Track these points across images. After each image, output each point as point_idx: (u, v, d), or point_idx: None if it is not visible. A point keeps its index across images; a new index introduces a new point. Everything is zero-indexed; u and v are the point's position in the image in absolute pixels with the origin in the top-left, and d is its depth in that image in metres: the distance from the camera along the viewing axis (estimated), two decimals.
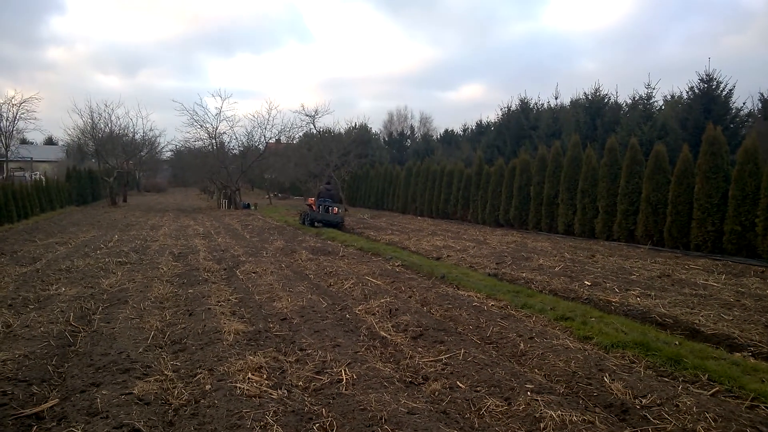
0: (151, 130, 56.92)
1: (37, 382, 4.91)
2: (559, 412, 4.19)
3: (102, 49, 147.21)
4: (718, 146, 14.01)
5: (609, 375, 5.04)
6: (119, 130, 38.48)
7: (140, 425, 3.98)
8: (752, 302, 8.11)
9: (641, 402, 4.51)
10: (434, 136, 50.42)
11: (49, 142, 68.75)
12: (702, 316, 7.31)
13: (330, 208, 21.29)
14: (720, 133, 14.31)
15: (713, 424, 4.04)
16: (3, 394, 4.50)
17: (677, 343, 6.10)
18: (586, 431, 3.92)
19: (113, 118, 39.67)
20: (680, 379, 5.08)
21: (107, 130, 37.28)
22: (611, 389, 4.77)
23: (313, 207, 21.77)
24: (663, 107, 26.14)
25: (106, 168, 38.16)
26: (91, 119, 36.47)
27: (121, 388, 4.64)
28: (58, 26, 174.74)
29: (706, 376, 5.07)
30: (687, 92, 23.21)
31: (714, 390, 4.79)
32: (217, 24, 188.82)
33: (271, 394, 4.65)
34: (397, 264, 11.86)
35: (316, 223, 21.06)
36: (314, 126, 37.23)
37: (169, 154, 49.38)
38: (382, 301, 7.96)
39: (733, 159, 13.97)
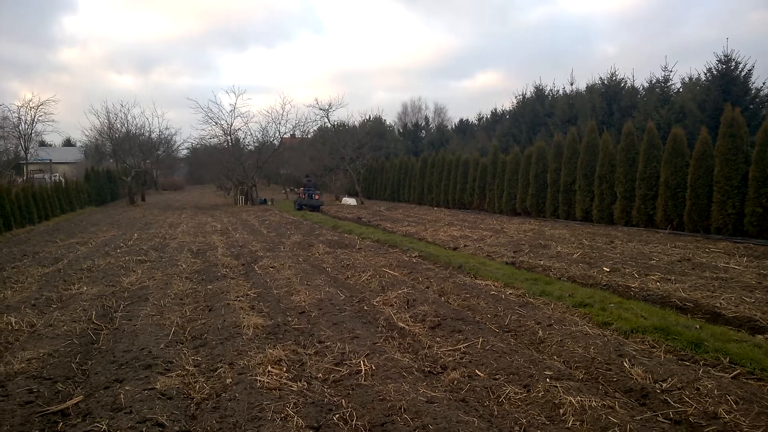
0: (167, 128, 57.20)
1: (62, 379, 5.02)
2: (579, 397, 4.18)
3: (115, 48, 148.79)
4: (737, 127, 13.75)
5: (628, 360, 5.00)
6: (135, 129, 38.84)
7: (163, 419, 4.04)
8: None
9: (661, 386, 4.48)
10: (449, 127, 50.20)
11: (68, 143, 69.72)
12: (723, 299, 7.21)
13: (313, 195, 28.39)
14: (739, 114, 14.03)
15: (734, 406, 3.99)
16: (29, 392, 4.61)
17: (698, 326, 6.04)
18: (605, 416, 3.90)
19: (129, 117, 40.26)
20: (701, 363, 5.03)
21: (124, 130, 37.64)
22: (631, 374, 4.75)
23: (302, 195, 28.89)
24: (681, 90, 25.72)
25: (124, 168, 38.56)
26: (108, 120, 36.82)
27: (143, 383, 4.72)
28: (70, 26, 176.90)
29: (728, 359, 5.02)
30: (705, 74, 22.80)
31: (735, 373, 4.74)
32: (228, 19, 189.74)
33: (291, 386, 4.70)
34: (414, 255, 11.87)
35: (303, 207, 27.76)
36: (328, 120, 37.36)
37: (185, 152, 49.90)
38: (399, 292, 7.97)
39: (753, 140, 13.69)
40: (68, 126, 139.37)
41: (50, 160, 50.24)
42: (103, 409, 4.25)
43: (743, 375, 4.73)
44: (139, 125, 39.45)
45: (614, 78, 26.99)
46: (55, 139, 67.84)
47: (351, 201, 33.22)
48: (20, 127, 34.91)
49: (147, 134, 39.81)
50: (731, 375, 4.70)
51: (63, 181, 32.15)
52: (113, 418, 4.07)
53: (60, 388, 4.84)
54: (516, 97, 36.13)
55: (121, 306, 7.80)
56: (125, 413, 4.13)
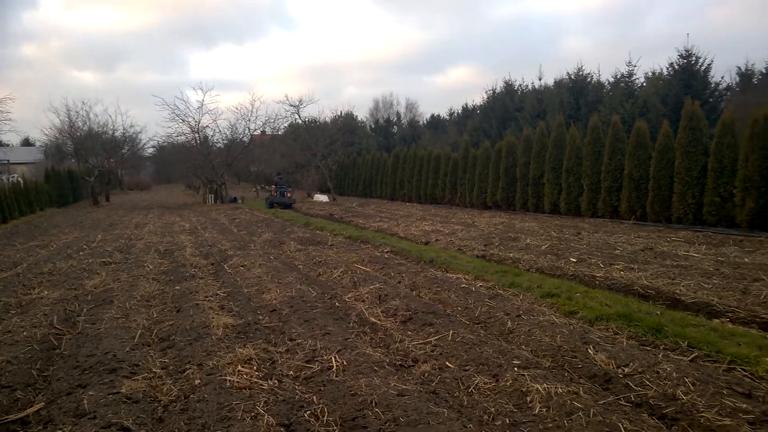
0: (131, 126, 55.85)
1: (21, 387, 4.88)
2: (545, 385, 4.27)
3: (76, 43, 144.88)
4: (697, 121, 14.16)
5: (593, 347, 5.13)
6: (98, 127, 37.82)
7: (129, 423, 3.98)
8: (731, 270, 8.27)
9: (624, 371, 4.60)
10: (420, 122, 50.39)
11: (26, 143, 67.51)
12: (683, 286, 7.44)
13: (285, 193, 28.18)
14: (698, 107, 14.45)
15: (692, 387, 4.13)
16: None
17: (659, 312, 6.22)
18: (571, 402, 3.99)
19: (91, 115, 39.02)
20: (661, 347, 5.19)
21: (86, 128, 36.60)
22: (595, 360, 4.86)
23: (273, 193, 28.56)
24: (644, 84, 26.35)
25: (87, 167, 37.54)
26: (69, 118, 35.75)
27: (108, 388, 4.63)
28: (30, 21, 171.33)
29: (686, 342, 5.19)
30: (667, 68, 23.48)
31: (693, 356, 4.91)
32: (197, 14, 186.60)
33: (261, 385, 4.67)
34: (386, 250, 11.90)
35: (275, 204, 27.33)
36: (299, 116, 37.11)
37: (151, 150, 48.87)
38: (371, 287, 7.99)
39: (712, 132, 14.13)
40: (27, 125, 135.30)
41: (8, 160, 48.65)
42: (66, 415, 4.16)
43: (700, 358, 4.89)
44: (102, 123, 38.50)
45: (581, 73, 27.52)
46: (12, 138, 65.69)
47: (323, 198, 33.10)
48: None
49: (110, 132, 38.86)
50: (689, 358, 4.86)
51: (22, 181, 31.11)
52: (76, 424, 3.99)
53: (20, 396, 4.70)
54: (486, 92, 36.54)
55: (85, 309, 7.63)
56: (89, 419, 4.05)
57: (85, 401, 4.32)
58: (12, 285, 9.35)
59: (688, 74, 22.06)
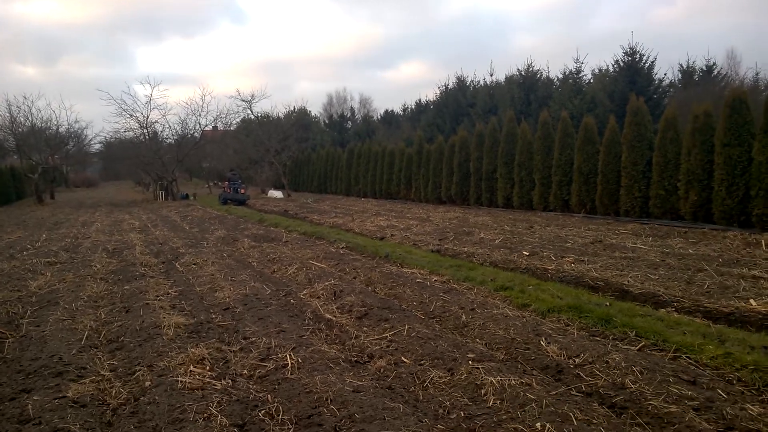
0: (76, 121, 53.82)
1: None
2: (499, 377, 4.35)
3: (17, 35, 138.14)
4: (642, 116, 14.68)
5: (545, 339, 5.25)
6: (41, 123, 36.26)
7: (76, 428, 3.84)
8: (676, 261, 8.62)
9: (575, 361, 4.74)
10: (375, 117, 50.40)
11: None
12: (630, 277, 7.71)
13: (238, 189, 27.93)
14: (643, 103, 14.98)
15: (639, 376, 4.29)
16: None
17: (608, 304, 6.42)
18: (524, 393, 4.08)
19: (34, 110, 37.39)
20: (610, 338, 5.36)
21: (28, 123, 35.07)
22: (547, 352, 4.98)
23: (227, 189, 28.21)
24: (592, 81, 27.12)
25: (30, 164, 35.92)
26: (9, 113, 34.16)
27: (54, 392, 4.45)
28: None
29: (634, 332, 5.38)
30: (613, 65, 24.21)
31: (641, 345, 5.09)
32: (143, 5, 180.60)
33: (214, 385, 4.58)
34: (341, 246, 11.86)
35: (228, 201, 27.10)
36: (251, 111, 36.55)
37: (98, 146, 47.17)
38: (326, 283, 7.95)
39: (656, 128, 14.67)
40: None
41: None
42: (9, 422, 3.98)
43: (647, 347, 5.08)
44: (45, 118, 36.92)
45: (531, 69, 28.10)
46: None
47: (277, 194, 32.72)
48: None
49: (54, 128, 37.33)
50: (637, 347, 5.04)
51: None
52: (21, 430, 3.82)
53: None
54: (439, 87, 36.85)
55: (29, 311, 7.29)
56: (34, 425, 3.88)
57: (30, 406, 4.14)
58: None
59: (633, 71, 22.84)
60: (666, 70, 37.71)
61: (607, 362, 4.59)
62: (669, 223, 13.43)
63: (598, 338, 5.38)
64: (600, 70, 27.73)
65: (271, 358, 5.20)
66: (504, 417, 3.87)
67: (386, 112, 49.72)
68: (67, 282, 9.03)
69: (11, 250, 13.17)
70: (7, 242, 14.93)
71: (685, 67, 26.26)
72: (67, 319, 6.69)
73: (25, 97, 40.04)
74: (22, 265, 10.85)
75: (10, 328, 6.56)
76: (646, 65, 23.10)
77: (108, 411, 4.26)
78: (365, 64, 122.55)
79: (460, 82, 33.88)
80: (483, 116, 27.57)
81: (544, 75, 28.13)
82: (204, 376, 4.74)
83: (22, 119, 34.64)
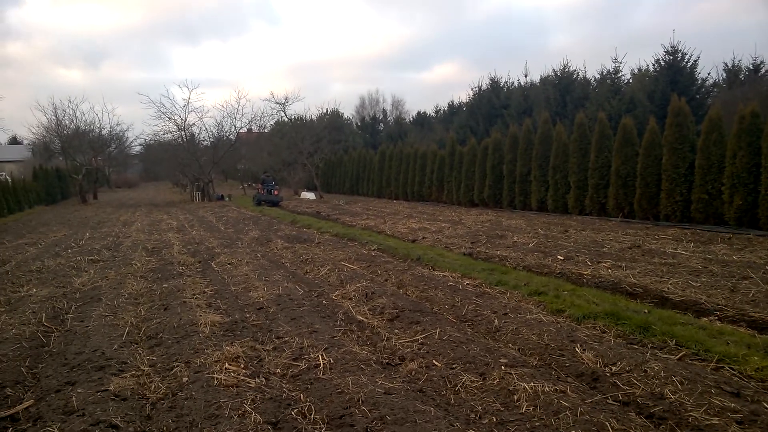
0: (118, 124, 55.42)
1: (11, 384, 4.85)
2: (532, 383, 4.29)
3: (62, 42, 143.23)
4: (684, 117, 14.28)
5: (580, 345, 5.16)
6: (85, 126, 37.47)
7: (117, 421, 3.96)
8: (719, 268, 8.35)
9: (611, 369, 4.64)
10: (407, 119, 50.38)
11: (14, 141, 66.77)
12: (671, 284, 7.50)
13: (272, 191, 28.37)
14: (685, 104, 14.58)
15: (680, 386, 4.18)
16: None
17: (646, 311, 6.27)
18: (558, 400, 4.02)
19: (78, 113, 38.63)
20: (649, 346, 5.23)
21: (72, 126, 36.28)
22: (582, 359, 4.90)
23: (260, 191, 28.82)
24: (630, 81, 26.54)
25: (74, 165, 37.18)
26: (55, 116, 35.47)
27: (96, 385, 4.60)
28: (15, 19, 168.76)
29: (674, 341, 5.24)
30: (653, 65, 23.62)
31: (681, 354, 4.95)
32: (181, 11, 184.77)
33: (248, 382, 4.66)
34: (372, 248, 11.90)
35: (262, 202, 27.40)
36: (285, 114, 36.92)
37: (138, 148, 48.44)
38: (358, 285, 7.99)
39: (699, 129, 14.26)
40: (14, 123, 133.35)
41: None
42: (55, 412, 4.13)
43: (688, 356, 4.94)
44: (88, 121, 38.10)
45: (567, 70, 27.64)
46: (0, 137, 64.80)
47: (310, 195, 33.01)
48: None
49: (97, 130, 38.55)
50: (677, 357, 4.91)
51: (10, 180, 30.75)
52: (65, 421, 3.96)
53: (9, 393, 4.68)
54: (472, 89, 36.54)
55: (73, 307, 7.56)
56: (78, 416, 4.02)
57: (74, 399, 4.29)
58: (1, 283, 9.25)
59: (675, 70, 22.24)
60: (710, 69, 36.53)
61: (645, 371, 4.48)
62: (712, 228, 13.01)
63: (636, 346, 5.26)
64: (639, 69, 27.14)
65: (304, 358, 5.26)
66: (537, 424, 3.82)
67: (418, 113, 49.65)
68: (109, 279, 9.32)
69: (57, 248, 13.65)
70: (53, 240, 15.49)
71: (730, 65, 25.48)
72: (109, 315, 6.91)
73: (70, 101, 41.32)
74: (67, 262, 11.24)
75: (56, 323, 6.81)
76: (689, 64, 22.46)
77: (147, 405, 4.38)
78: (398, 66, 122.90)
79: (494, 83, 33.58)
80: (517, 118, 27.27)
81: (581, 75, 27.65)
82: (238, 374, 4.83)
83: (67, 122, 35.90)
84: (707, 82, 23.51)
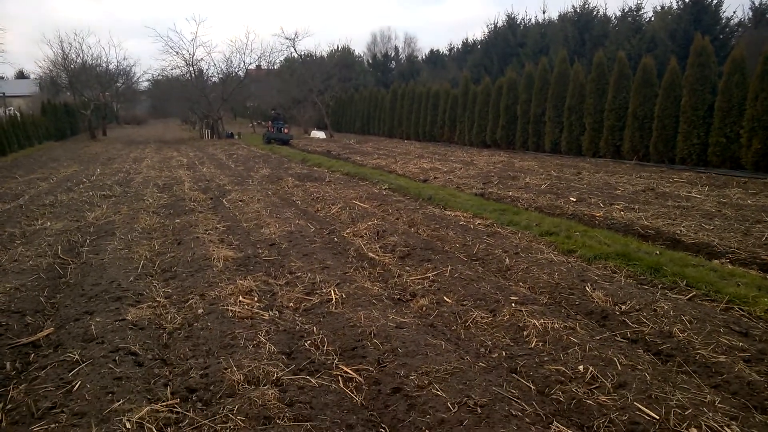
0: (125, 59, 54.95)
1: (31, 312, 4.98)
2: (542, 320, 4.34)
3: None
4: (706, 57, 13.79)
5: (590, 285, 5.19)
6: (92, 60, 37.06)
7: (136, 348, 4.07)
8: (733, 212, 8.27)
9: (621, 308, 4.68)
10: (419, 57, 49.15)
11: (21, 75, 66.10)
12: (683, 226, 7.45)
13: (282, 129, 28.30)
14: (708, 43, 14.04)
15: (688, 325, 4.21)
16: None
17: (658, 252, 6.26)
18: (567, 337, 4.08)
19: (84, 47, 38.18)
20: (659, 286, 5.25)
21: (79, 60, 35.88)
22: (592, 298, 4.93)
23: (270, 129, 28.75)
24: (652, 19, 25.56)
25: (82, 101, 36.96)
26: (62, 49, 35.06)
27: (114, 315, 4.71)
28: None
29: (684, 282, 5.25)
30: (677, 2, 22.65)
31: (691, 295, 4.97)
32: None
33: (262, 315, 4.76)
34: (384, 187, 11.87)
35: (272, 141, 27.29)
36: (295, 50, 36.14)
37: (146, 84, 47.98)
38: (369, 223, 8.01)
39: (721, 71, 13.79)
40: (20, 57, 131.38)
41: (3, 93, 47.83)
42: (75, 340, 4.25)
43: (698, 297, 4.96)
44: (95, 55, 37.73)
45: (587, 6, 26.65)
46: (7, 71, 64.23)
47: (320, 134, 32.72)
48: None
49: (104, 65, 38.04)
50: (687, 297, 4.93)
51: (18, 115, 30.66)
52: (85, 348, 4.07)
53: (29, 321, 4.81)
54: (488, 26, 35.46)
55: (88, 240, 7.67)
56: (97, 343, 4.14)
57: (93, 327, 4.40)
58: (15, 216, 9.38)
59: (699, 8, 21.33)
60: (735, 7, 35.16)
61: (654, 310, 4.51)
62: (728, 172, 12.80)
63: (647, 286, 5.28)
64: (662, 7, 26.13)
65: (316, 293, 5.34)
66: (546, 358, 3.89)
67: (431, 52, 48.33)
68: (122, 214, 9.40)
69: (68, 183, 13.74)
70: (65, 175, 15.58)
71: (756, 4, 24.36)
72: (123, 248, 7.01)
73: (76, 34, 40.73)
74: (79, 197, 11.34)
75: (72, 256, 6.93)
76: (713, 2, 21.52)
77: (164, 334, 4.50)
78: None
79: (510, 20, 32.47)
80: (533, 57, 26.47)
81: (601, 12, 26.63)
82: (252, 307, 4.92)
83: (73, 56, 35.45)
84: (732, 21, 22.58)
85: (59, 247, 7.16)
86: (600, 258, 6.15)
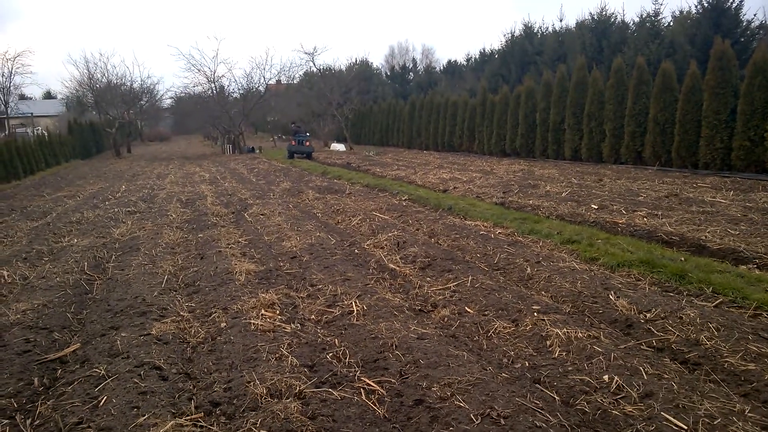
0: (148, 77, 56.06)
1: (58, 328, 5.08)
2: (565, 329, 4.30)
3: None
4: (727, 61, 13.60)
5: (614, 293, 5.12)
6: (117, 79, 37.91)
7: (161, 363, 4.13)
8: (759, 216, 8.10)
9: (645, 316, 4.61)
10: (437, 68, 49.20)
11: (48, 96, 67.92)
12: (708, 232, 7.32)
13: (303, 142, 27.93)
14: (728, 47, 13.85)
15: (716, 333, 4.13)
16: (26, 342, 4.66)
17: (683, 259, 6.16)
18: (591, 346, 4.02)
19: (109, 67, 39.19)
20: (685, 293, 5.16)
21: (104, 80, 36.75)
22: (616, 306, 4.87)
23: (292, 142, 28.27)
24: (671, 24, 25.26)
25: (108, 119, 37.80)
26: (87, 69, 35.93)
27: (139, 330, 4.78)
28: None
29: (711, 289, 5.15)
30: (696, 6, 22.36)
31: (718, 301, 4.88)
32: None
33: (284, 328, 4.79)
34: (404, 198, 11.89)
35: (295, 155, 27.21)
36: (314, 64, 36.51)
37: (169, 101, 48.85)
38: (389, 235, 8.02)
39: (743, 74, 13.58)
40: (47, 77, 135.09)
41: (31, 113, 49.16)
42: (101, 355, 4.32)
43: (725, 304, 4.86)
44: (120, 74, 38.50)
45: (604, 13, 26.42)
46: (34, 91, 65.97)
47: (340, 147, 32.94)
48: None
49: (129, 84, 38.87)
50: (713, 304, 4.83)
51: (46, 134, 31.49)
52: (111, 363, 4.14)
53: (57, 337, 4.90)
54: (504, 35, 35.44)
55: (113, 256, 7.82)
56: (123, 358, 4.20)
57: (119, 342, 4.47)
58: (43, 233, 9.60)
59: (718, 12, 21.03)
60: (756, 9, 34.56)
61: (680, 318, 4.43)
62: (753, 176, 12.56)
63: (672, 294, 5.19)
64: (681, 12, 25.70)
65: (337, 305, 5.35)
66: (570, 368, 3.84)
67: (449, 62, 48.32)
68: (147, 230, 9.56)
69: (94, 200, 14.03)
70: (91, 192, 15.91)
71: None
72: (148, 264, 7.12)
73: (101, 54, 41.76)
74: (105, 213, 11.56)
75: (98, 272, 7.06)
76: (733, 5, 21.19)
77: (188, 348, 4.55)
78: (429, 11, 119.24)
79: (527, 29, 32.36)
80: (551, 65, 26.34)
81: (619, 19, 26.33)
82: (274, 320, 4.95)
83: (98, 76, 36.30)
84: (753, 24, 22.18)
85: (85, 263, 7.31)
86: (623, 265, 6.07)
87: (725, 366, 3.76)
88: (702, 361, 3.88)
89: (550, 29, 31.69)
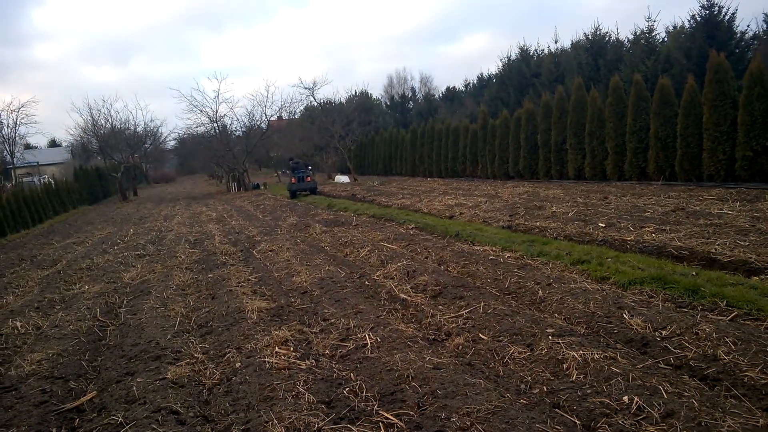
0: (151, 120, 57.19)
1: (74, 377, 5.09)
2: (581, 351, 4.27)
3: (89, 39, 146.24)
4: (723, 73, 13.73)
5: (628, 312, 5.09)
6: (120, 124, 38.47)
7: (178, 407, 4.12)
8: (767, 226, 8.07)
9: (661, 334, 4.57)
10: (436, 95, 49.85)
11: (53, 144, 68.94)
12: (718, 244, 7.30)
13: (304, 178, 25.43)
14: (724, 59, 13.99)
15: (733, 347, 4.09)
16: (42, 392, 4.67)
17: (694, 273, 6.13)
18: (608, 367, 3.99)
19: (113, 112, 39.87)
20: (699, 308, 5.12)
21: (108, 126, 37.29)
22: (631, 325, 4.84)
23: (293, 180, 25.79)
24: (665, 39, 25.58)
25: (113, 164, 38.27)
26: (91, 116, 36.51)
27: (154, 374, 4.79)
28: (40, 20, 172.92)
29: (725, 302, 5.11)
30: (689, 21, 22.69)
31: (733, 315, 4.84)
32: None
33: (299, 365, 4.78)
34: (410, 227, 11.92)
35: (298, 193, 24.99)
36: (314, 98, 37.07)
37: (173, 143, 49.53)
38: (399, 264, 8.04)
39: (740, 84, 13.69)
40: (52, 125, 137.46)
41: (37, 162, 49.78)
42: (118, 402, 4.32)
43: (740, 317, 4.82)
44: (123, 119, 39.22)
45: (598, 33, 26.83)
46: (39, 140, 66.88)
47: (344, 178, 33.15)
48: (3, 132, 34.58)
49: (132, 128, 39.46)
50: (729, 317, 4.80)
51: (53, 182, 31.89)
52: (128, 409, 4.14)
53: (73, 386, 4.91)
54: (501, 59, 35.93)
55: (125, 301, 7.85)
56: (139, 404, 4.20)
57: (135, 388, 4.48)
58: (54, 282, 9.66)
59: (712, 25, 21.31)
60: (749, 20, 34.90)
61: (696, 334, 4.40)
62: (758, 186, 12.54)
63: (686, 309, 5.16)
64: (674, 27, 26.07)
65: (351, 338, 5.34)
66: (589, 391, 3.81)
67: (447, 89, 49.00)
68: (156, 272, 9.61)
69: (104, 245, 14.13)
70: (99, 238, 16.03)
71: None
72: (159, 306, 7.14)
73: (104, 100, 42.56)
74: (115, 258, 11.63)
75: (111, 317, 7.09)
76: (726, 17, 21.47)
77: (204, 390, 4.54)
78: (425, 40, 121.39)
79: (523, 52, 32.83)
80: (549, 86, 26.63)
81: (613, 37, 26.70)
82: (289, 357, 4.95)
83: (102, 121, 36.87)
84: (746, 34, 22.44)
85: (98, 309, 7.34)
86: (635, 283, 6.05)
87: (745, 380, 3.72)
88: (721, 376, 3.84)
89: (546, 51, 32.15)
